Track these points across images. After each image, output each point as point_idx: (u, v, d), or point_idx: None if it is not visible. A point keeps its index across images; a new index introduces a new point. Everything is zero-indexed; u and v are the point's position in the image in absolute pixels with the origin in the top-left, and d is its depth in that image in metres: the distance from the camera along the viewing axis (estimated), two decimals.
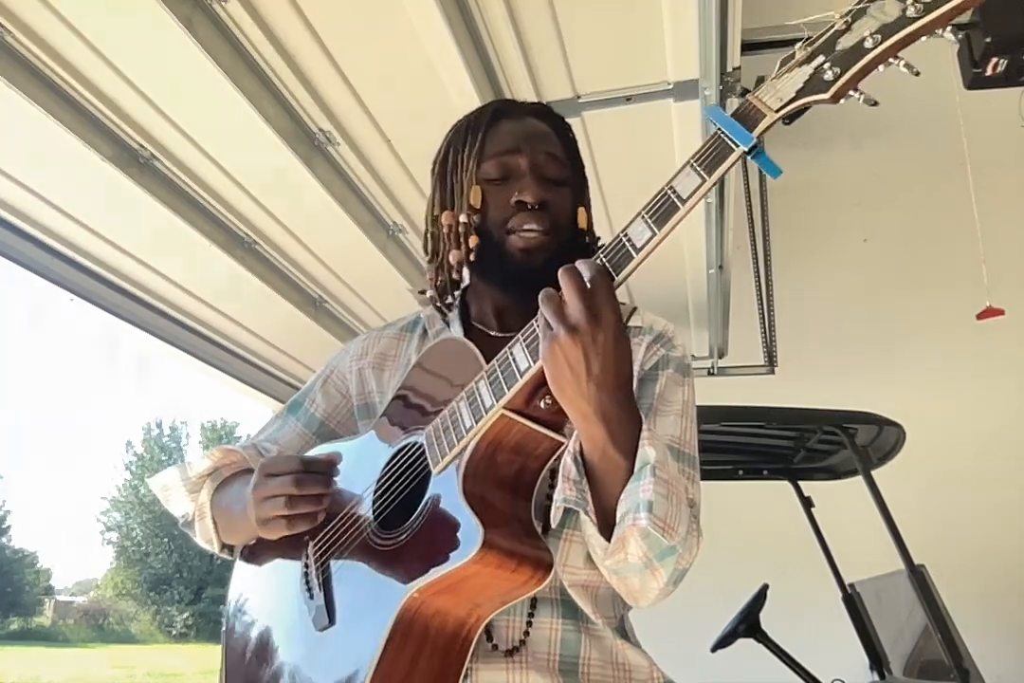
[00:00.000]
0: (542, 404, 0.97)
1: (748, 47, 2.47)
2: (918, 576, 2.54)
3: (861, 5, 0.82)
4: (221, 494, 1.24)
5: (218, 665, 1.30)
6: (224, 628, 1.29)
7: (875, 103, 0.83)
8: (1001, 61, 2.87)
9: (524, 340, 0.97)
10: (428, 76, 2.10)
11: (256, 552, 1.25)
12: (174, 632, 31.10)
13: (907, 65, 0.81)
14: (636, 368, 1.15)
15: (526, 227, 1.15)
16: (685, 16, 1.92)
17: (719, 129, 0.87)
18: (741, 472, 3.46)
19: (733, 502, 3.39)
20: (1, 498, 35.06)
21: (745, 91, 2.62)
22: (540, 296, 0.92)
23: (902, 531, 2.56)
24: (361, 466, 1.15)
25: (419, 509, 1.01)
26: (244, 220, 2.78)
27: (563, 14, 2.01)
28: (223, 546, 1.27)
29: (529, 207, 1.16)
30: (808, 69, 0.84)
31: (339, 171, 2.60)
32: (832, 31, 0.84)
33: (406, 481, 1.07)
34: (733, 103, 2.31)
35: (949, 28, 0.78)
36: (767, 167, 0.86)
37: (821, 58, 0.83)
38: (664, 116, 2.32)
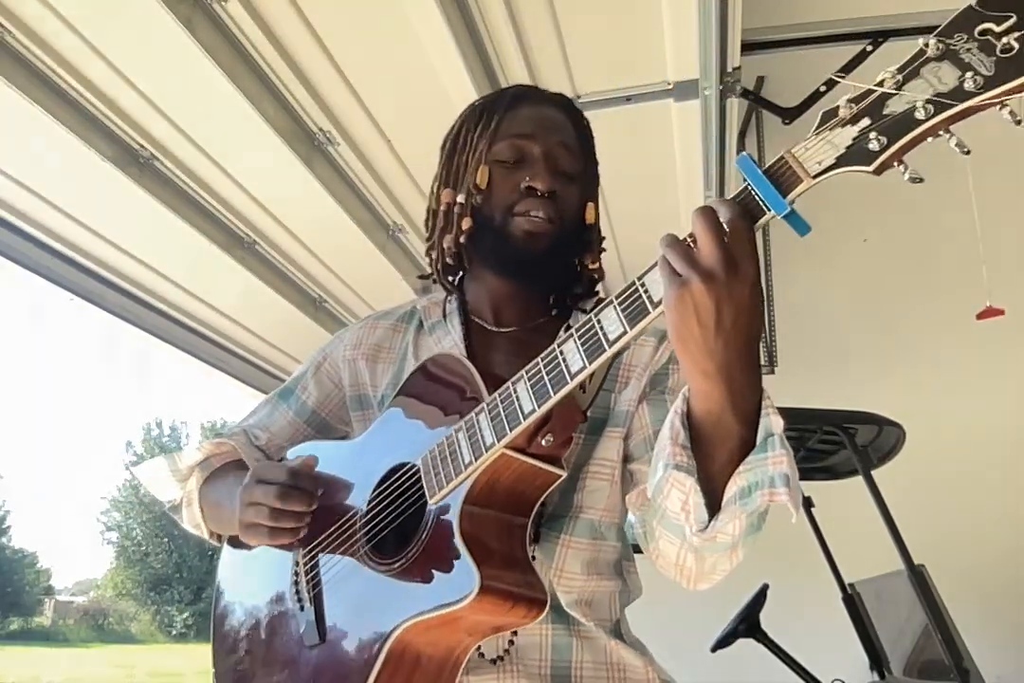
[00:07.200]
0: (543, 441, 0.95)
1: (748, 47, 2.47)
2: (918, 576, 2.54)
3: (914, 64, 0.73)
4: (210, 485, 1.23)
5: None
6: (213, 614, 1.29)
7: (919, 180, 0.74)
8: None
9: (528, 379, 0.94)
10: (428, 76, 2.09)
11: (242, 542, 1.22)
12: (174, 632, 31.11)
13: (959, 144, 0.72)
14: (647, 370, 1.13)
15: (532, 213, 1.13)
16: (685, 16, 1.92)
17: (748, 185, 0.81)
18: None
19: None
20: (1, 498, 35.13)
21: (745, 91, 2.61)
22: (665, 239, 0.83)
23: (902, 531, 2.56)
24: (355, 475, 1.13)
25: (416, 539, 1.00)
26: (244, 220, 2.78)
27: (563, 14, 2.01)
28: (211, 533, 1.26)
29: (539, 194, 1.13)
30: (852, 131, 0.76)
31: (339, 171, 2.60)
32: (880, 90, 0.75)
33: (401, 504, 1.05)
34: (733, 103, 2.31)
35: (1008, 108, 0.69)
36: (797, 226, 0.81)
37: (867, 121, 0.75)
38: (664, 116, 2.32)
